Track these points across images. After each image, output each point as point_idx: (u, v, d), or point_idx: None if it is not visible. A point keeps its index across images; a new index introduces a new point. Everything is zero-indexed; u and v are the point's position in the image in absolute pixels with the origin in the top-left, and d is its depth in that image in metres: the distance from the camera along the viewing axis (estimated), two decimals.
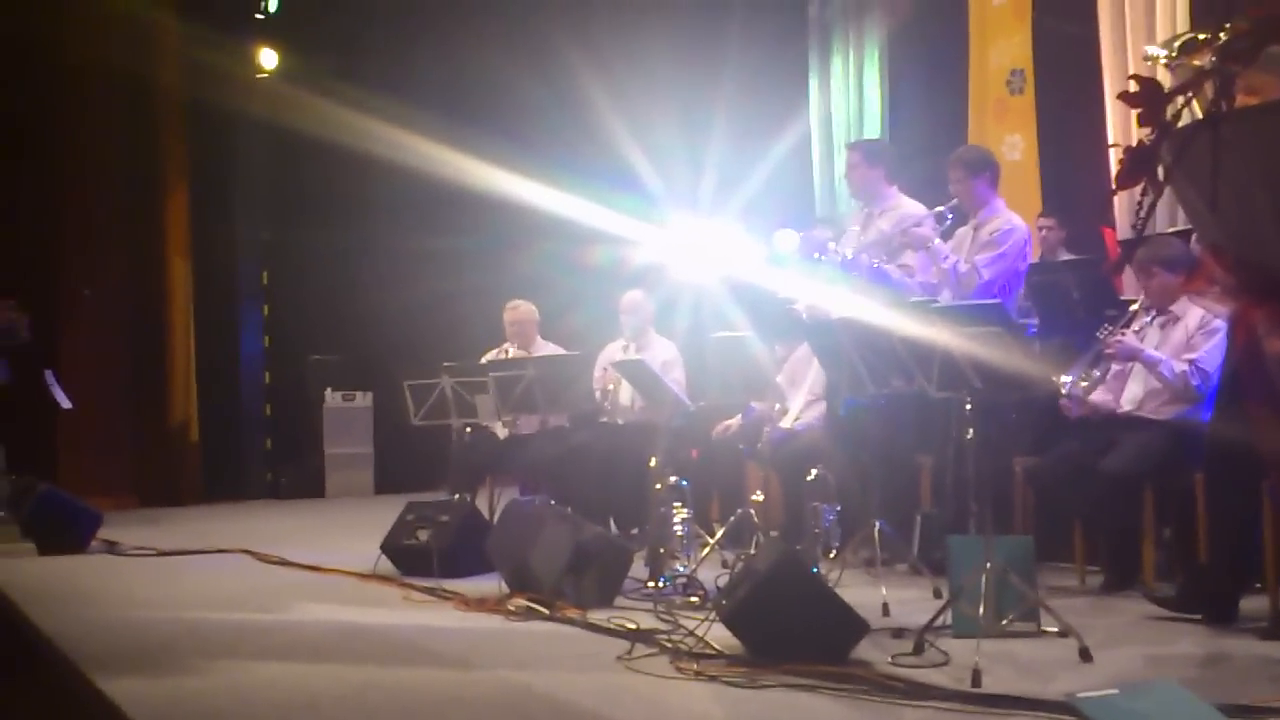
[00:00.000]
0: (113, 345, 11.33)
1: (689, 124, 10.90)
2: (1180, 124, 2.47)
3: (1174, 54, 2.71)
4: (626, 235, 9.15)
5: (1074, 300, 6.58)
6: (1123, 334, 5.51)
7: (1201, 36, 2.64)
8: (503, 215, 10.42)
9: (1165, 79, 2.84)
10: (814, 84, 11.15)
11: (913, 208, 6.50)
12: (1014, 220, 6.31)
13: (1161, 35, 7.92)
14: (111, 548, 7.65)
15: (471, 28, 11.35)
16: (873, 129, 10.46)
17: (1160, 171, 2.46)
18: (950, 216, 6.33)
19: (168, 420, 11.46)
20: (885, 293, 6.17)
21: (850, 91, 10.83)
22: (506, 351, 7.91)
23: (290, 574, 6.62)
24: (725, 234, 8.69)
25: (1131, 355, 5.53)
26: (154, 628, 5.06)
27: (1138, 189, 2.47)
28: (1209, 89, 2.49)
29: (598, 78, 10.42)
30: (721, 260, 7.96)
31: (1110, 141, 8.34)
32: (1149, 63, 3.00)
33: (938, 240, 6.27)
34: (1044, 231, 7.99)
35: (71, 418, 10.10)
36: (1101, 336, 5.47)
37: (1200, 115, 2.53)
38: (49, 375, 9.60)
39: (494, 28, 11.34)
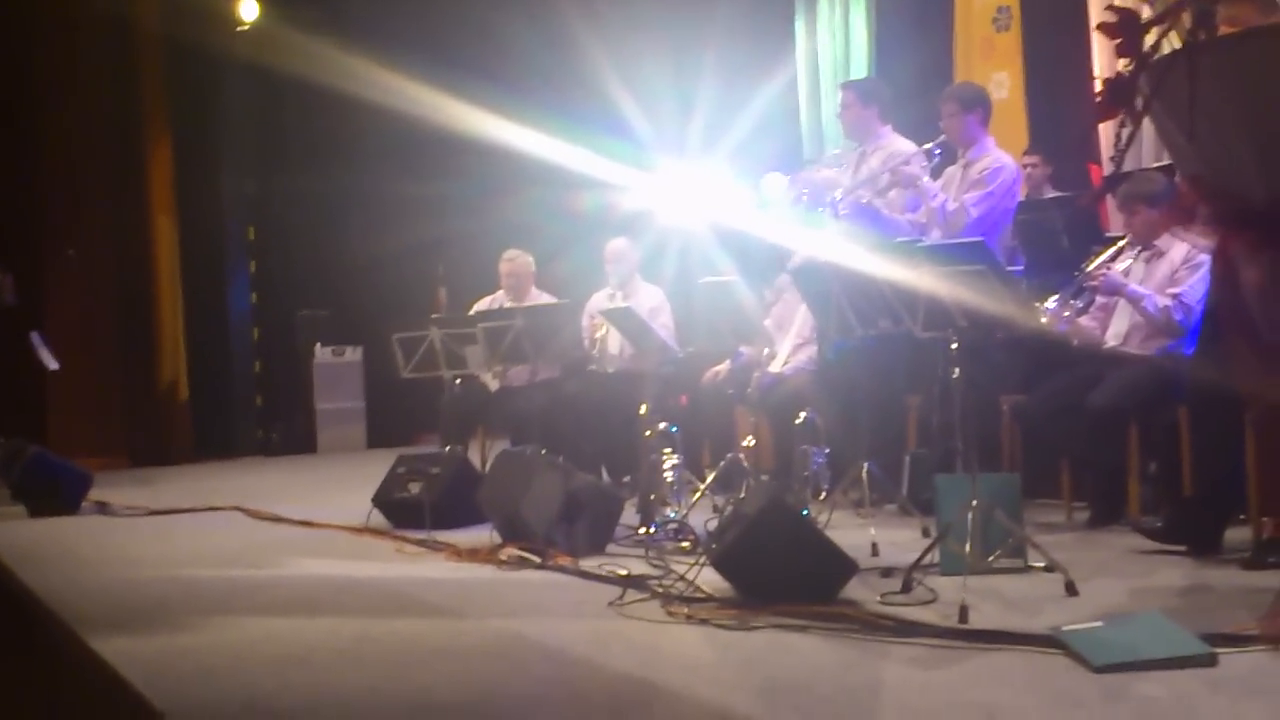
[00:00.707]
0: (99, 305, 11.28)
1: (676, 68, 10.82)
2: (1158, 55, 2.45)
3: None
4: (614, 180, 9.11)
5: (1060, 237, 6.58)
6: (1108, 268, 5.51)
7: None
8: (489, 161, 10.34)
9: (1146, 13, 2.81)
10: (800, 26, 11.07)
11: (903, 145, 6.49)
12: (1003, 158, 6.30)
13: None
14: (103, 508, 7.67)
15: None
16: (859, 70, 10.39)
17: (1139, 102, 2.45)
18: (939, 153, 6.32)
19: (157, 379, 11.44)
20: (871, 234, 6.16)
21: (836, 32, 10.75)
22: (500, 302, 7.89)
23: (283, 530, 6.64)
24: (713, 178, 8.66)
25: (1115, 290, 5.53)
26: (147, 587, 5.07)
27: (1119, 122, 2.46)
28: (1186, 19, 2.47)
29: (584, 21, 10.34)
30: (709, 205, 7.94)
31: (1097, 77, 8.30)
32: None
33: (926, 178, 6.26)
34: (1029, 169, 7.96)
35: (59, 379, 10.07)
36: (1084, 267, 5.48)
37: (1178, 46, 2.51)
38: (35, 337, 9.56)
39: None
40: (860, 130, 6.65)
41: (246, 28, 11.54)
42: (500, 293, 7.99)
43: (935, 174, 6.41)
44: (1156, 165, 6.92)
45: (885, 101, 6.71)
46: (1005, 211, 6.28)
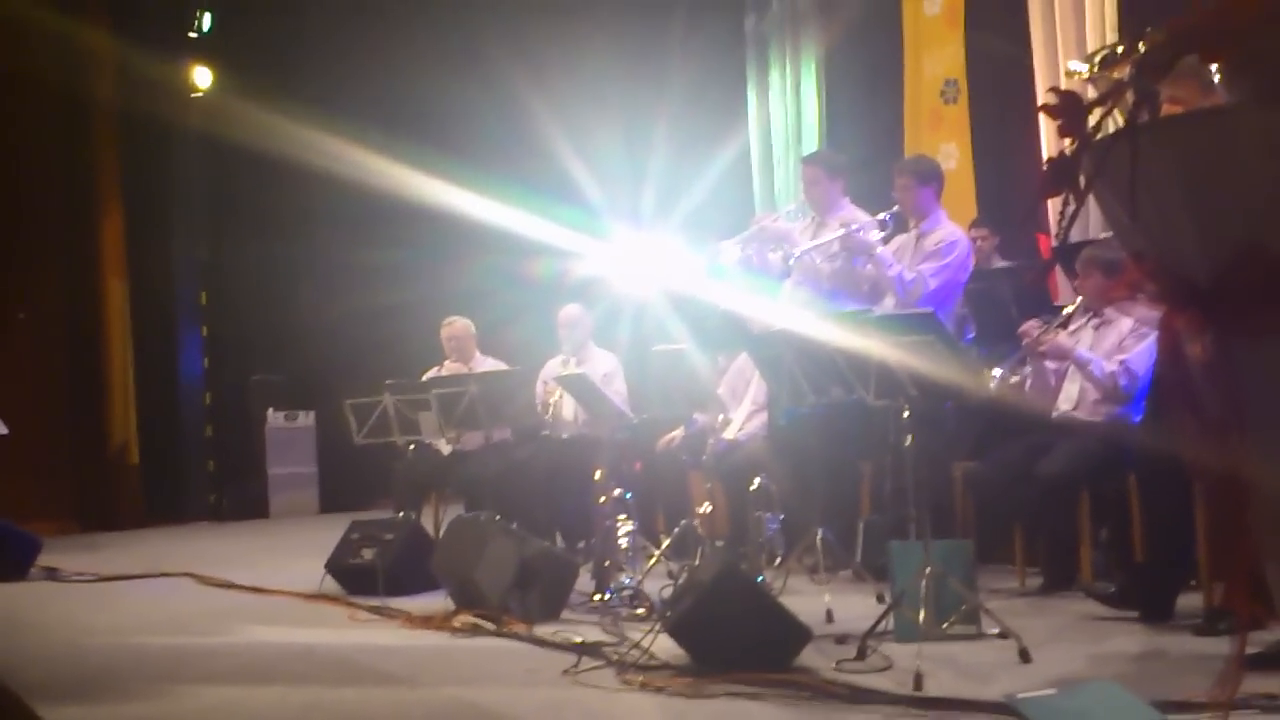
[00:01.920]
0: (49, 367, 11.18)
1: (629, 136, 10.93)
2: (1101, 135, 2.52)
3: (1095, 68, 2.77)
4: (567, 248, 9.16)
5: (1010, 307, 6.68)
6: (1056, 333, 5.61)
7: (1120, 50, 2.70)
8: (442, 228, 10.37)
9: (1090, 92, 2.89)
10: (752, 96, 11.22)
11: (861, 215, 6.58)
12: (957, 232, 6.45)
13: (1092, 45, 8.05)
14: (52, 574, 7.55)
15: (407, 39, 11.31)
16: (810, 140, 10.54)
17: (1081, 181, 2.51)
18: (890, 221, 6.43)
19: (107, 443, 11.33)
20: (822, 301, 6.24)
21: (788, 103, 10.91)
22: (443, 368, 7.89)
23: (234, 596, 6.57)
24: (666, 246, 8.72)
25: (1063, 354, 5.62)
26: (97, 654, 5.02)
27: (1063, 200, 2.52)
28: (1129, 99, 2.55)
29: (536, 89, 10.42)
30: (662, 272, 7.99)
31: (1044, 151, 8.46)
32: (1073, 77, 3.07)
33: (881, 248, 6.35)
34: (977, 241, 8.08)
35: (8, 442, 9.90)
36: (1027, 330, 5.58)
37: (1121, 125, 2.58)
38: None
39: (430, 39, 11.30)
40: (825, 203, 6.71)
41: (200, 94, 11.57)
42: (446, 362, 8.00)
43: (885, 241, 6.50)
44: (1106, 235, 7.05)
45: (848, 174, 6.82)
46: (958, 284, 6.41)
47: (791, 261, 6.43)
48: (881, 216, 6.43)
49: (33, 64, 10.59)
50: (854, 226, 6.39)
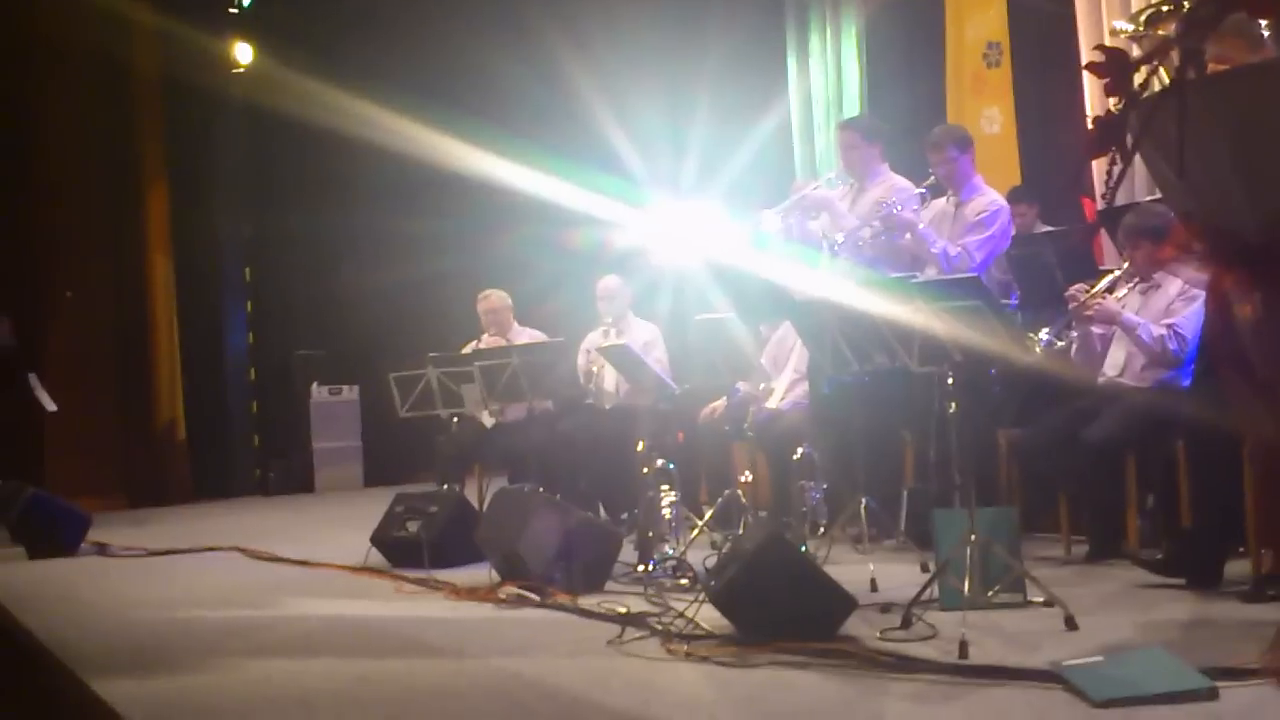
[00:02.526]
0: (97, 346, 11.30)
1: (670, 105, 10.89)
2: (1147, 93, 2.48)
3: (1140, 26, 2.72)
4: (608, 217, 9.15)
5: (1054, 272, 6.61)
6: (1103, 297, 5.54)
7: (1166, 8, 2.65)
8: (483, 198, 10.40)
9: (1135, 51, 2.84)
10: (792, 63, 11.13)
11: (902, 182, 6.53)
12: (997, 199, 6.38)
13: (1137, 4, 7.93)
14: (101, 549, 7.64)
15: (447, 9, 11.31)
16: (852, 107, 10.45)
17: (1129, 140, 2.47)
18: (928, 193, 6.40)
19: (154, 420, 11.45)
20: (863, 272, 6.21)
21: (829, 70, 10.81)
22: (482, 341, 7.90)
23: (281, 570, 6.62)
24: (707, 215, 8.69)
25: (1110, 318, 5.55)
26: (147, 628, 5.07)
27: (1109, 160, 2.48)
28: (1175, 58, 2.50)
29: (577, 58, 10.40)
30: (703, 242, 7.96)
31: (1089, 112, 8.35)
32: (1117, 36, 3.01)
33: (922, 225, 6.29)
34: (1020, 217, 8.00)
35: (57, 420, 10.07)
36: (1074, 294, 5.52)
37: (1167, 84, 2.54)
38: (32, 378, 9.58)
39: (471, 8, 11.28)
40: (863, 168, 6.64)
41: (242, 70, 11.62)
42: (484, 335, 8.01)
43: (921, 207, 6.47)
44: (1151, 198, 6.97)
45: (886, 138, 6.76)
46: (1000, 252, 6.40)
47: (836, 247, 6.36)
48: (921, 190, 6.38)
49: (76, 39, 10.69)
50: (893, 202, 6.33)
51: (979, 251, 6.18)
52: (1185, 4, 2.52)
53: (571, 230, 9.79)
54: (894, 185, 6.51)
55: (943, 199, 6.46)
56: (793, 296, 6.30)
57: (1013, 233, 6.58)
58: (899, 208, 6.27)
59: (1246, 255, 2.39)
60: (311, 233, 11.91)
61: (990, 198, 6.34)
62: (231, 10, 11.76)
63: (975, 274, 5.03)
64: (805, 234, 6.72)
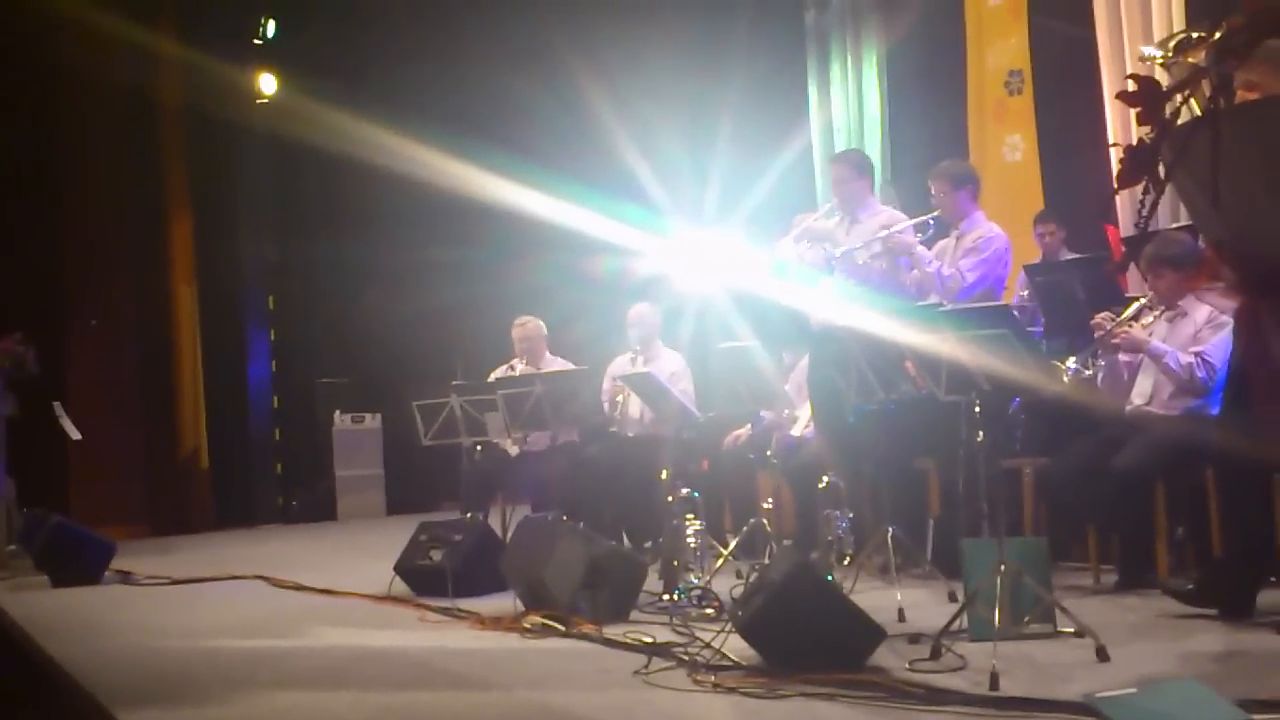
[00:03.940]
0: (121, 375, 11.37)
1: (692, 133, 10.91)
2: (1179, 122, 2.46)
3: (1170, 53, 2.71)
4: (631, 246, 9.15)
5: (1079, 299, 6.59)
6: (1130, 326, 5.52)
7: (1197, 35, 2.64)
8: (505, 227, 10.43)
9: (1163, 78, 2.84)
10: (813, 92, 11.15)
11: (896, 214, 6.63)
12: (995, 229, 6.47)
13: (1158, 34, 7.91)
14: (125, 578, 7.66)
15: (470, 39, 11.36)
16: (873, 135, 10.47)
17: (1161, 170, 2.46)
18: (932, 225, 6.44)
19: (178, 448, 11.49)
20: (871, 295, 6.22)
21: (850, 98, 10.83)
22: (514, 368, 7.90)
23: (305, 598, 6.62)
24: (729, 244, 8.69)
25: (1137, 347, 5.53)
26: (171, 657, 5.06)
27: (1139, 187, 2.47)
28: (1206, 86, 2.49)
29: (599, 87, 10.43)
30: (726, 270, 7.96)
31: (1110, 140, 8.33)
32: (1145, 63, 3.01)
33: (920, 247, 6.35)
34: (1046, 237, 7.99)
35: (81, 448, 10.11)
36: (1100, 322, 5.50)
37: (1199, 113, 2.53)
38: (57, 407, 9.62)
39: (494, 38, 11.34)
40: (854, 201, 6.69)
41: (265, 100, 11.71)
42: (515, 360, 8.01)
43: (929, 244, 6.50)
44: (1176, 226, 6.94)
45: (872, 171, 6.87)
46: (998, 279, 6.41)
47: (834, 261, 6.39)
48: (925, 218, 6.43)
49: (103, 72, 10.77)
50: (896, 227, 6.38)
51: (971, 273, 6.24)
52: (1217, 32, 2.51)
53: (594, 258, 9.80)
54: (891, 214, 6.60)
55: (948, 238, 6.52)
56: (814, 324, 6.32)
57: (1010, 266, 6.60)
58: (900, 230, 6.35)
59: (1279, 284, 2.38)
60: (334, 261, 11.97)
61: (986, 227, 6.44)
62: (255, 42, 11.87)
63: (1005, 304, 5.02)
64: (814, 262, 6.74)
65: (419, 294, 11.33)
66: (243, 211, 12.21)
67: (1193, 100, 2.56)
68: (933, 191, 6.43)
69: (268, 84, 11.72)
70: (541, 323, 8.10)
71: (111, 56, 10.70)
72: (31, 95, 10.91)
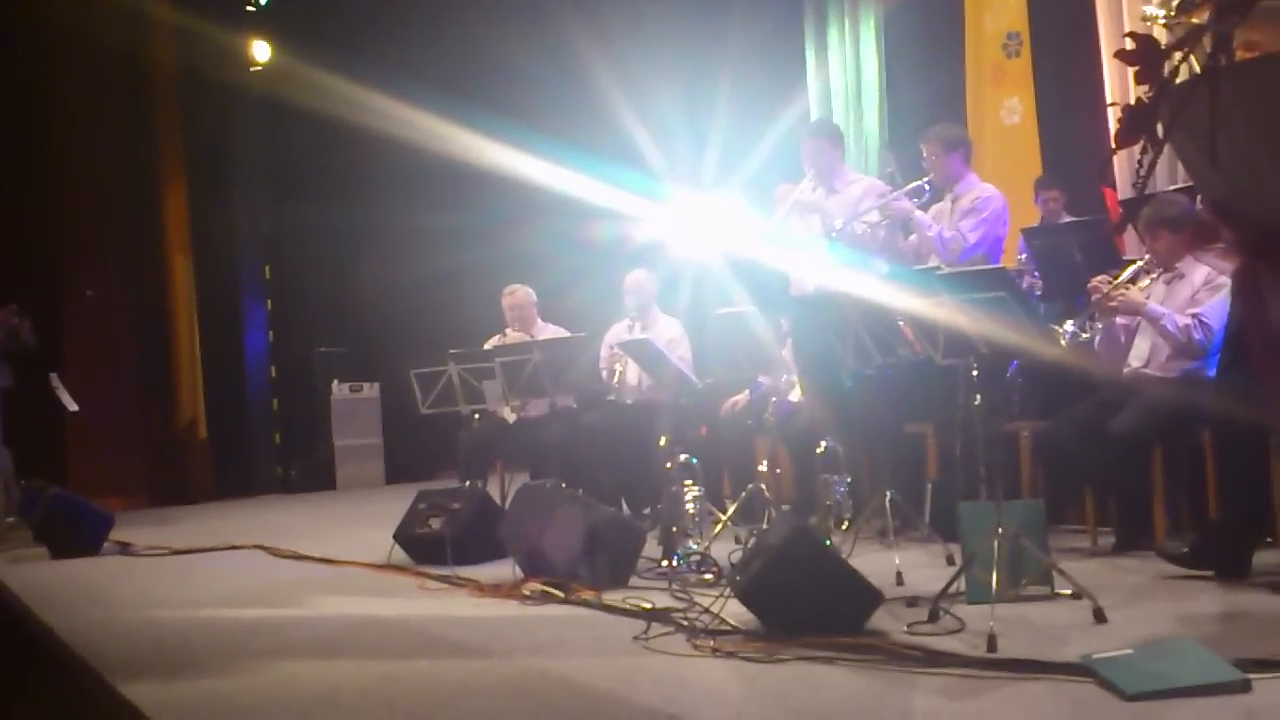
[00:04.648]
0: (117, 346, 11.35)
1: (689, 98, 10.87)
2: (1178, 80, 2.44)
3: (1171, 12, 2.69)
4: (627, 212, 9.12)
5: (1077, 262, 6.58)
6: (1127, 289, 5.50)
7: None
8: (502, 192, 10.39)
9: (1162, 37, 2.81)
10: (811, 56, 11.10)
11: (879, 183, 6.62)
12: (991, 189, 6.45)
13: None
14: (124, 548, 7.66)
15: (469, 2, 11.29)
16: (871, 99, 10.43)
17: (1159, 129, 2.44)
18: (928, 190, 6.42)
19: (175, 419, 11.48)
20: (864, 260, 6.21)
21: (848, 62, 10.78)
22: (506, 336, 7.89)
23: (304, 568, 6.63)
24: (726, 209, 8.66)
25: (1134, 309, 5.52)
26: (171, 627, 5.07)
27: (1137, 147, 2.45)
28: (1206, 44, 2.47)
29: (597, 52, 10.38)
30: (723, 236, 7.93)
31: (1109, 100, 8.30)
32: (1147, 22, 2.98)
33: (919, 212, 6.34)
34: (1049, 203, 7.97)
35: (79, 420, 10.10)
36: (1097, 285, 5.49)
37: (1198, 71, 2.50)
38: (54, 378, 9.61)
39: (492, 2, 11.28)
40: (830, 171, 6.69)
41: (260, 67, 11.64)
42: (508, 329, 8.00)
43: (924, 209, 6.48)
44: (1174, 187, 6.92)
45: (843, 142, 6.90)
46: (997, 239, 6.39)
47: (834, 233, 6.36)
48: (918, 183, 6.42)
49: (95, 37, 10.71)
50: (881, 192, 6.38)
51: (972, 234, 6.23)
52: None
53: (591, 225, 9.77)
54: (871, 182, 6.61)
55: (942, 201, 6.49)
56: (810, 290, 6.31)
57: (1009, 225, 6.59)
58: (895, 198, 6.34)
59: (1278, 245, 2.36)
60: (331, 229, 11.92)
61: (983, 188, 6.41)
62: (249, 8, 11.77)
63: (1000, 265, 5.00)
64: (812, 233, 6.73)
65: (416, 262, 11.29)
66: (238, 180, 12.13)
67: (1192, 58, 2.53)
68: (925, 155, 6.42)
69: (262, 50, 11.64)
70: (530, 290, 8.09)
71: (104, 22, 10.63)
72: (23, 62, 10.86)
